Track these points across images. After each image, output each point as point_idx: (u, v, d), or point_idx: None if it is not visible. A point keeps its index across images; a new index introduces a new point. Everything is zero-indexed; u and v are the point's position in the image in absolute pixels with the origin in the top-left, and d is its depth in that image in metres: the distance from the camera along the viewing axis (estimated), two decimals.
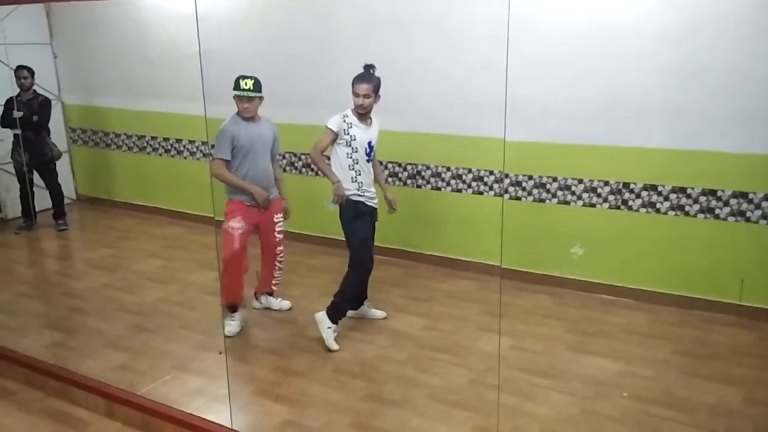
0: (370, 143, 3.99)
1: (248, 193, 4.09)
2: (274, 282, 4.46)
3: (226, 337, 4.08)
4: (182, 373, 3.77)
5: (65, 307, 4.74)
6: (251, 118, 4.11)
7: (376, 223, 4.17)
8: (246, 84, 4.02)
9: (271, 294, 4.51)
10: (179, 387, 3.63)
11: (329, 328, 3.96)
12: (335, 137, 3.94)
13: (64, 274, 5.58)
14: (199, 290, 4.86)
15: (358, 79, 3.89)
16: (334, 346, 3.94)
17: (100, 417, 3.40)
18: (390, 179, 5.38)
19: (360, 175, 3.98)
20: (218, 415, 3.27)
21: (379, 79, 3.93)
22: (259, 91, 4.08)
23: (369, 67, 3.94)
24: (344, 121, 3.93)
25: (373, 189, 4.09)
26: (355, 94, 3.89)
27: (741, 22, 3.95)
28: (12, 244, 6.40)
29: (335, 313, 3.98)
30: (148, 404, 3.32)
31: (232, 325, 4.17)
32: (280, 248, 4.37)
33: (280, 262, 4.40)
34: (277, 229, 4.30)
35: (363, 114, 3.95)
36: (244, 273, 4.22)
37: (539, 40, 4.45)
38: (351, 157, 3.95)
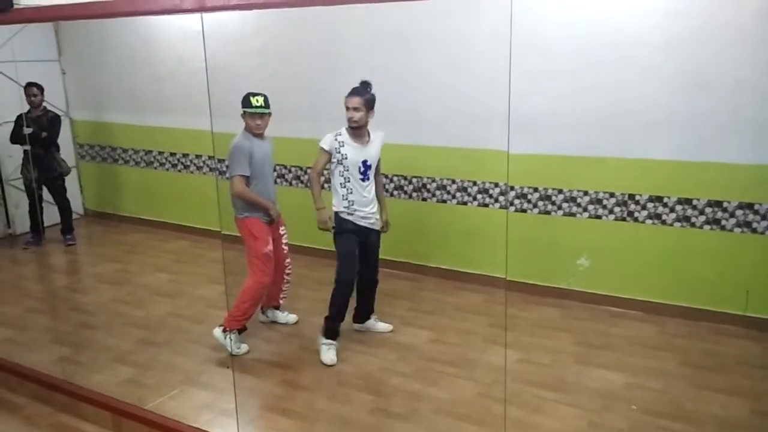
0: (365, 162, 3.91)
1: (263, 210, 4.10)
2: (281, 296, 4.48)
3: (235, 355, 4.09)
4: (190, 388, 3.78)
5: (73, 321, 4.76)
6: (261, 134, 4.13)
7: (379, 242, 4.16)
8: (257, 101, 4.04)
9: (278, 308, 4.52)
10: (187, 401, 3.64)
11: (323, 343, 3.99)
12: (329, 156, 3.92)
13: (72, 289, 5.61)
14: (206, 304, 4.87)
15: (349, 93, 3.88)
16: (327, 361, 3.93)
17: None
18: (395, 192, 5.39)
19: (351, 193, 3.93)
20: (226, 429, 3.29)
21: (372, 95, 3.89)
22: (269, 107, 4.11)
23: (365, 84, 3.92)
24: (336, 140, 3.90)
25: (369, 209, 3.99)
26: (346, 107, 3.86)
27: (747, 33, 3.96)
28: (20, 259, 6.45)
29: (326, 329, 4.02)
30: (155, 419, 3.34)
31: (243, 346, 4.16)
32: (288, 260, 4.41)
33: (287, 275, 4.43)
34: (284, 241, 4.34)
35: (356, 130, 3.89)
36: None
37: (544, 52, 4.47)
38: (342, 176, 3.92)
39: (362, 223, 3.98)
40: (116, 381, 3.84)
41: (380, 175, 4.15)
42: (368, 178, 3.95)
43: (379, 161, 4.06)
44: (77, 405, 3.56)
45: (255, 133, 4.10)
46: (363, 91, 3.87)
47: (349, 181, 3.91)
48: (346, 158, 3.88)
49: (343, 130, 3.92)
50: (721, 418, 3.30)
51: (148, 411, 3.43)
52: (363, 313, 4.32)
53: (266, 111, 4.07)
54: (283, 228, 4.33)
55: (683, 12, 4.07)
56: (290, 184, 5.85)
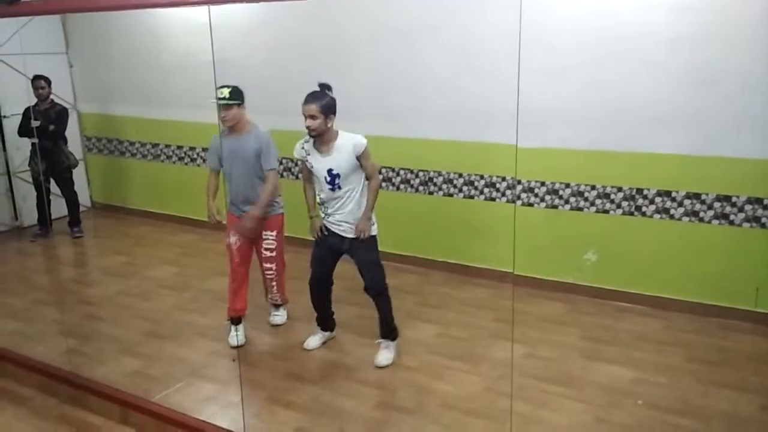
0: (330, 171, 3.65)
1: (234, 203, 4.13)
2: (269, 296, 4.40)
3: (231, 347, 4.14)
4: (196, 380, 3.79)
5: (80, 313, 4.78)
6: (233, 128, 4.02)
7: (367, 251, 3.84)
8: (222, 93, 3.91)
9: (275, 304, 4.45)
10: (193, 394, 3.65)
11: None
12: (306, 167, 3.81)
13: (79, 281, 5.63)
14: (212, 297, 4.87)
15: (305, 99, 3.60)
16: (305, 345, 4.10)
17: (115, 424, 3.42)
18: (402, 186, 5.38)
19: (324, 201, 3.78)
20: (231, 422, 3.29)
21: (331, 99, 3.62)
22: (238, 99, 3.95)
23: (323, 87, 3.65)
24: (303, 148, 3.76)
25: (343, 217, 3.75)
26: (303, 115, 3.59)
27: (755, 28, 3.92)
28: (28, 251, 6.47)
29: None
30: (162, 411, 3.35)
31: (234, 338, 4.17)
32: (268, 265, 4.22)
33: (268, 279, 4.28)
34: (265, 245, 4.16)
35: (316, 138, 3.66)
36: (245, 287, 4.22)
37: (551, 47, 4.44)
38: (316, 182, 3.81)
39: (335, 229, 3.80)
40: (123, 373, 3.85)
41: (375, 179, 3.77)
42: (338, 188, 3.68)
43: (367, 167, 3.70)
44: (84, 397, 3.58)
45: (223, 125, 4.01)
46: (320, 96, 3.59)
47: (322, 190, 3.76)
48: (313, 167, 3.73)
49: (309, 138, 3.72)
50: (729, 413, 3.28)
51: (155, 403, 3.45)
52: (380, 329, 3.97)
53: (229, 102, 3.91)
54: (267, 233, 4.14)
55: (691, 8, 4.04)
56: (296, 177, 5.84)
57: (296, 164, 5.86)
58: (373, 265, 3.84)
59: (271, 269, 4.23)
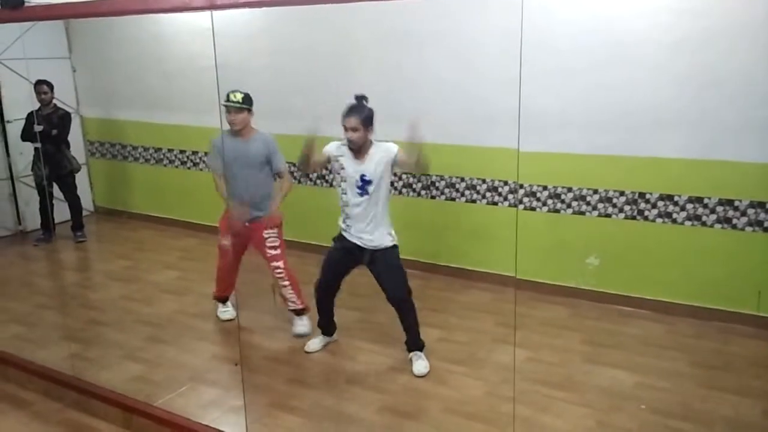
0: (363, 176, 3.67)
1: (233, 206, 4.20)
2: (288, 304, 4.30)
3: (223, 321, 4.47)
4: (198, 385, 3.79)
5: (83, 318, 4.79)
6: (239, 132, 4.11)
7: (388, 262, 3.80)
8: (235, 96, 4.04)
9: (296, 313, 4.33)
10: (195, 398, 3.65)
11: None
12: (326, 159, 3.79)
13: (81, 286, 5.64)
14: (215, 302, 4.87)
15: (346, 112, 3.64)
16: (307, 348, 4.13)
17: (117, 428, 3.42)
18: (404, 190, 5.39)
19: (347, 206, 3.75)
20: (234, 427, 3.29)
21: (370, 111, 3.67)
22: (249, 104, 4.09)
23: (360, 98, 3.68)
24: (339, 147, 3.76)
25: (365, 226, 3.72)
26: (344, 127, 3.64)
27: (758, 32, 3.92)
28: (31, 256, 6.48)
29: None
30: (164, 415, 3.35)
31: (226, 313, 4.47)
32: (276, 264, 4.22)
33: (280, 278, 4.24)
34: (268, 245, 4.20)
35: (354, 149, 3.69)
36: (233, 282, 4.46)
37: (553, 50, 4.45)
38: (341, 187, 3.77)
39: (354, 240, 3.77)
40: (125, 378, 3.85)
41: (420, 161, 3.59)
42: (366, 193, 3.68)
43: (407, 156, 3.64)
44: (87, 401, 3.58)
45: (231, 129, 4.11)
46: (360, 108, 3.65)
47: (346, 194, 3.74)
48: (344, 169, 3.72)
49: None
50: (731, 418, 3.27)
51: (157, 408, 3.45)
52: (407, 341, 3.94)
53: (239, 106, 4.04)
54: (269, 231, 4.19)
55: (694, 11, 4.04)
56: (299, 181, 5.85)
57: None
58: (393, 274, 3.80)
59: (279, 268, 4.22)
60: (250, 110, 4.11)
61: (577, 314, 4.55)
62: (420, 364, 3.84)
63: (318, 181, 5.85)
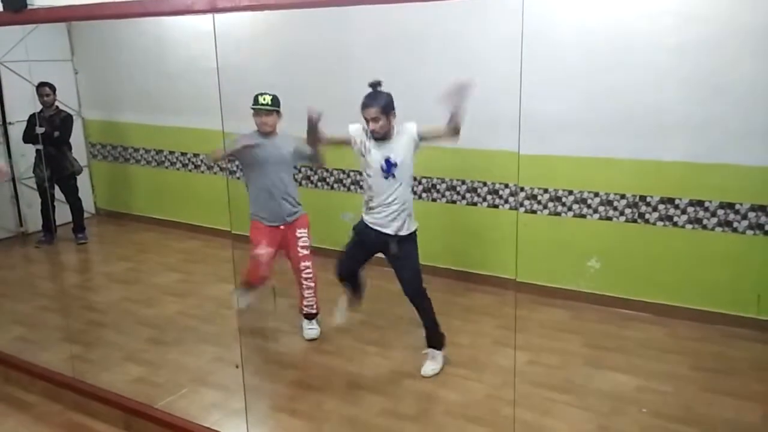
0: (388, 159, 3.60)
1: (261, 213, 4.15)
2: (304, 303, 4.28)
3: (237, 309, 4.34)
4: (199, 387, 3.79)
5: (84, 320, 4.79)
6: (269, 133, 4.14)
7: (407, 252, 3.79)
8: (264, 99, 4.08)
9: (306, 316, 4.31)
10: (196, 400, 3.65)
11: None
12: (347, 141, 3.71)
13: (83, 288, 5.64)
14: (217, 304, 4.88)
15: (363, 102, 3.56)
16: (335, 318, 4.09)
17: (118, 430, 3.43)
18: None
19: (371, 189, 3.69)
20: (235, 429, 3.30)
21: (388, 96, 3.60)
22: (278, 106, 4.12)
23: (375, 85, 3.60)
24: (364, 131, 3.68)
25: (390, 211, 3.67)
26: (365, 119, 3.58)
27: (761, 37, 3.92)
28: (32, 257, 6.49)
29: None
30: (165, 418, 3.35)
31: (242, 300, 4.31)
32: (306, 264, 4.21)
33: (306, 279, 4.23)
34: (300, 244, 4.22)
35: (381, 139, 3.64)
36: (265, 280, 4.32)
37: (555, 53, 4.46)
38: (366, 172, 3.70)
39: (377, 227, 3.72)
40: (127, 379, 3.86)
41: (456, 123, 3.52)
42: (392, 176, 3.61)
43: (431, 127, 3.63)
44: (88, 403, 3.58)
45: (262, 131, 4.12)
46: (378, 96, 3.56)
47: (371, 177, 3.68)
48: (370, 152, 3.64)
49: None
50: (732, 422, 3.27)
51: (158, 410, 3.45)
52: (426, 337, 3.87)
53: (270, 108, 4.07)
54: (302, 230, 4.22)
55: (697, 16, 4.04)
56: (300, 184, 5.86)
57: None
58: (411, 265, 3.79)
59: (309, 268, 4.21)
60: (279, 112, 4.15)
61: (578, 317, 4.55)
62: (428, 365, 3.81)
63: (320, 185, 5.86)
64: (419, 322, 4.46)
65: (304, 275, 4.23)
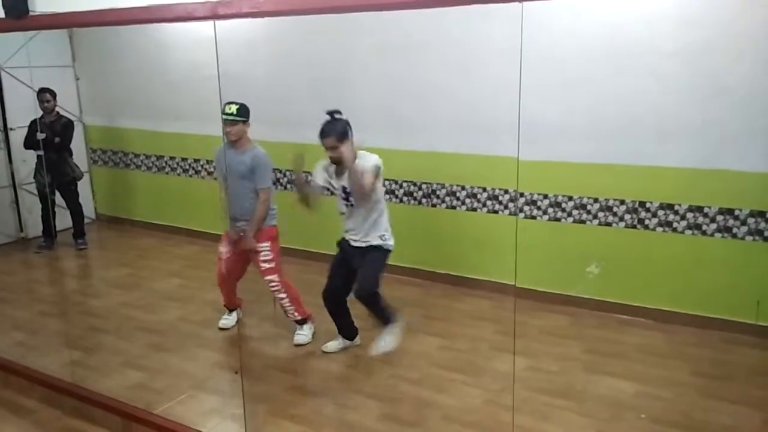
0: (344, 188, 3.82)
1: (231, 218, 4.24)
2: (287, 313, 4.31)
3: (220, 329, 4.50)
4: (198, 393, 3.79)
5: (84, 325, 4.79)
6: (235, 143, 4.15)
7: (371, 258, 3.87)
8: (230, 109, 4.07)
9: (297, 322, 4.32)
10: (196, 406, 3.65)
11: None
12: (320, 187, 3.93)
13: (83, 293, 5.65)
14: (216, 309, 4.87)
15: (322, 132, 3.70)
16: (324, 348, 4.17)
17: None
18: (405, 198, 5.40)
19: (343, 214, 3.93)
20: None
21: (343, 125, 3.69)
22: (244, 116, 4.12)
23: (332, 113, 3.72)
24: (325, 171, 3.91)
25: (360, 230, 3.86)
26: (323, 147, 3.74)
27: (761, 41, 3.94)
28: (32, 263, 6.50)
29: None
30: (164, 423, 3.35)
31: (225, 321, 4.50)
32: (270, 277, 4.20)
33: (275, 292, 4.23)
34: (261, 258, 4.19)
35: (340, 164, 3.79)
36: (233, 291, 4.48)
37: (555, 59, 4.47)
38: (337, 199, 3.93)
39: (352, 243, 3.92)
40: (126, 385, 3.86)
41: (367, 192, 3.72)
42: (351, 204, 3.83)
43: (376, 187, 3.79)
44: (87, 409, 3.58)
45: (228, 140, 4.15)
46: (334, 125, 3.69)
47: (338, 202, 3.92)
48: (332, 180, 3.89)
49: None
50: (731, 428, 3.27)
51: (157, 416, 3.45)
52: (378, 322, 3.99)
53: (233, 119, 4.08)
54: (263, 245, 4.19)
55: (697, 21, 4.06)
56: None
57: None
58: (366, 268, 3.84)
59: (273, 281, 4.21)
60: (245, 122, 4.14)
61: (577, 323, 4.55)
62: (382, 340, 3.86)
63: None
64: (416, 327, 4.49)
65: (271, 288, 4.24)
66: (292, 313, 4.28)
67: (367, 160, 3.75)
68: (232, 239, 4.26)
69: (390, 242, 3.92)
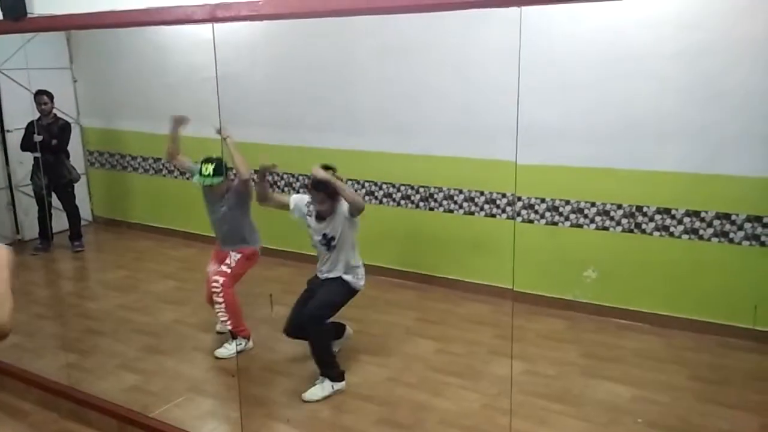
0: (325, 235, 3.80)
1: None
2: (220, 320, 4.26)
3: (216, 358, 4.22)
4: (195, 396, 3.78)
5: (80, 328, 4.78)
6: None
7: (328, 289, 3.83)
8: (207, 170, 4.08)
9: (233, 336, 4.24)
10: (192, 409, 3.64)
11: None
12: (286, 206, 3.95)
13: (79, 295, 5.63)
14: (212, 312, 4.86)
15: (311, 185, 3.74)
16: (305, 396, 3.76)
17: None
18: (402, 202, 5.40)
19: (320, 257, 3.90)
20: None
21: (330, 181, 3.64)
22: (221, 174, 4.08)
23: (327, 168, 3.72)
24: (307, 207, 3.88)
25: (331, 269, 3.85)
26: (313, 199, 3.79)
27: (759, 46, 3.95)
28: (29, 265, 6.47)
29: None
30: (160, 426, 3.34)
31: (223, 350, 4.25)
32: (216, 278, 4.13)
33: (214, 292, 4.13)
34: (227, 261, 4.21)
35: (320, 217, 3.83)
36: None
37: (553, 63, 4.48)
38: (312, 238, 3.90)
39: (321, 276, 3.92)
40: (122, 388, 3.85)
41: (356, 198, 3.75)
42: (331, 248, 3.81)
43: (352, 230, 3.82)
44: (83, 411, 3.58)
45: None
46: (322, 185, 3.68)
47: (315, 245, 3.89)
48: (310, 227, 3.88)
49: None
50: None
51: (153, 419, 3.44)
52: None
53: (213, 182, 4.09)
54: (236, 254, 4.21)
55: (695, 25, 4.07)
56: (297, 192, 5.86)
57: (297, 184, 5.89)
58: (320, 296, 3.80)
59: (217, 282, 4.10)
60: (224, 180, 4.14)
61: (574, 327, 4.55)
62: (312, 389, 3.71)
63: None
64: (413, 330, 4.48)
65: (212, 289, 4.14)
66: (222, 321, 4.20)
67: (342, 208, 3.76)
68: (221, 258, 4.29)
69: (360, 283, 3.90)
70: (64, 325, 4.84)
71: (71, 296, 5.59)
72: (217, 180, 4.08)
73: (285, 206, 3.97)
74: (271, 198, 4.00)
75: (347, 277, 3.85)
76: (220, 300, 4.12)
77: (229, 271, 4.17)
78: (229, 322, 4.17)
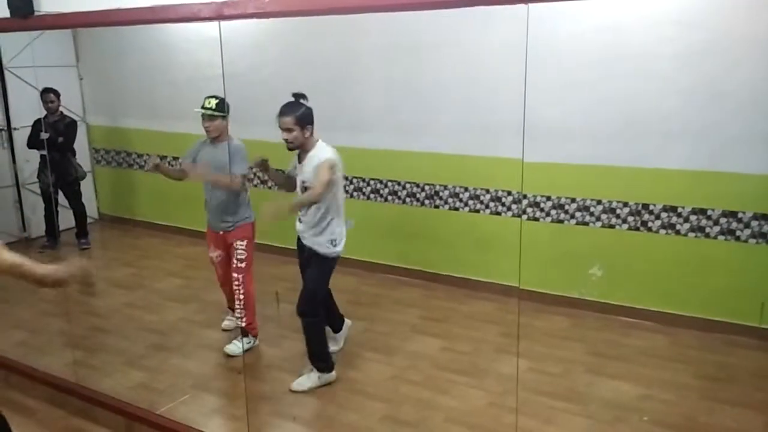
0: (303, 183, 3.63)
1: (209, 216, 4.24)
2: (236, 314, 4.25)
3: (227, 355, 4.19)
4: (201, 393, 3.79)
5: (86, 325, 4.80)
6: (215, 138, 4.09)
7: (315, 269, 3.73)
8: (209, 103, 4.00)
9: (244, 334, 4.24)
10: (198, 406, 3.65)
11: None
12: (291, 175, 3.83)
13: (85, 293, 5.65)
14: (218, 309, 4.88)
15: (280, 112, 3.55)
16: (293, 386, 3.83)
17: None
18: (408, 199, 5.40)
19: (300, 211, 3.71)
20: None
21: (306, 109, 3.55)
22: (223, 111, 4.02)
23: (297, 96, 3.59)
24: (295, 159, 3.78)
25: (310, 227, 3.65)
26: (279, 128, 3.56)
27: (761, 44, 3.94)
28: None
29: None
30: (166, 423, 3.36)
31: (228, 322, 4.39)
32: (237, 275, 4.11)
33: (236, 289, 4.12)
34: (237, 256, 4.13)
35: (294, 150, 3.64)
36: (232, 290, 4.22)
37: (559, 61, 4.47)
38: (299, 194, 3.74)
39: (305, 241, 3.73)
40: (128, 385, 3.86)
41: (314, 190, 3.49)
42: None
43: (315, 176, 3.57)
44: (90, 409, 3.59)
45: (207, 135, 4.10)
46: (294, 107, 3.54)
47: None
48: (296, 172, 3.76)
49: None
50: (734, 431, 3.27)
51: (160, 416, 3.45)
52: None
53: (211, 114, 3.99)
54: (240, 242, 4.13)
55: (698, 24, 4.06)
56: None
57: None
58: (308, 284, 3.74)
59: (238, 280, 4.10)
60: (224, 117, 4.05)
61: (580, 325, 4.54)
62: (300, 379, 3.74)
63: None
64: (418, 328, 4.49)
65: (234, 285, 4.12)
66: (239, 317, 4.19)
67: (322, 153, 3.57)
68: (215, 239, 4.25)
69: (338, 248, 3.69)
70: (71, 323, 4.85)
71: (77, 294, 5.60)
72: (219, 113, 4.00)
73: (291, 176, 3.84)
74: (288, 181, 3.85)
75: (321, 249, 3.64)
76: (242, 297, 4.12)
77: (243, 265, 4.14)
78: (244, 318, 4.17)
